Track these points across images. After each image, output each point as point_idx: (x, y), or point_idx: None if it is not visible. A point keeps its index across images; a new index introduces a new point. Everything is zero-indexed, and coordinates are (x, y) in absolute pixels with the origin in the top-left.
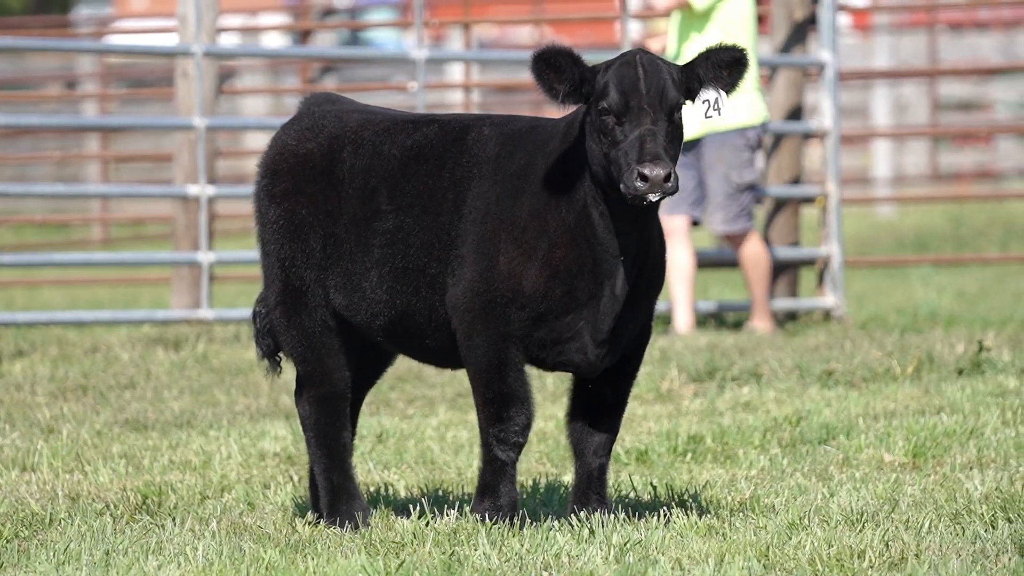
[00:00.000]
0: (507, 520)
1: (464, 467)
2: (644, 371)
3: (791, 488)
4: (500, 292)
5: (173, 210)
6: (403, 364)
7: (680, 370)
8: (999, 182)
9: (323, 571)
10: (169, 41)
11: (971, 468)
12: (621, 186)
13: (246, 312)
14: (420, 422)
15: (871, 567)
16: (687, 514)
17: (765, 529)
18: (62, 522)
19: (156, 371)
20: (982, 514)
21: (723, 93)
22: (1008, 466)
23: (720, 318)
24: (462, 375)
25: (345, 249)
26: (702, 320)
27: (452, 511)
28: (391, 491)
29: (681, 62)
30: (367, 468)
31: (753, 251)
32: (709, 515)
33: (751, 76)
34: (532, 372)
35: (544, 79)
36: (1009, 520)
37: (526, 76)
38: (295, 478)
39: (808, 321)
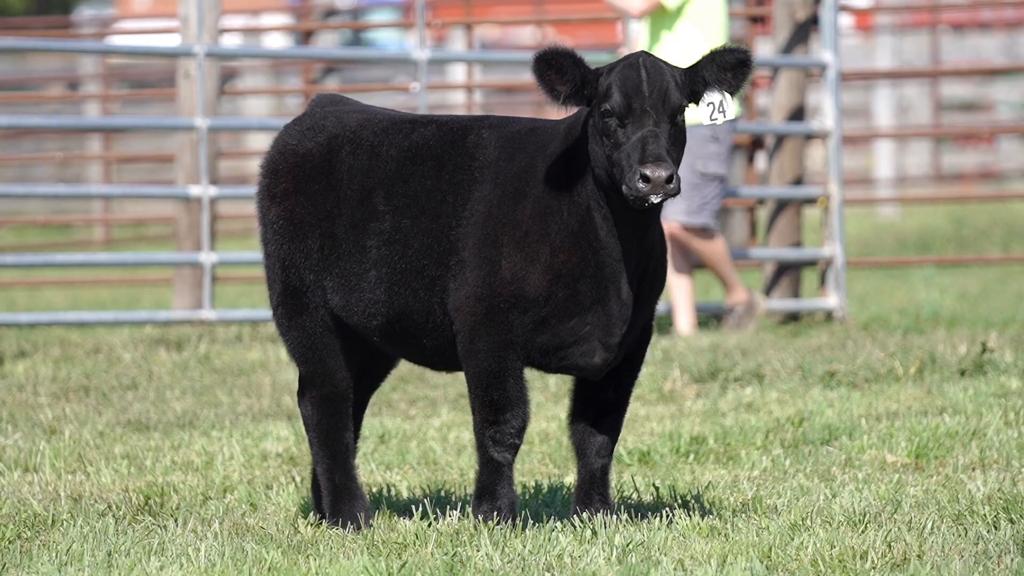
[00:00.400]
0: (506, 521)
1: (466, 468)
2: (646, 372)
3: (793, 489)
4: (503, 296)
5: (175, 211)
6: (406, 365)
7: (682, 371)
8: (1001, 183)
9: (325, 572)
10: (171, 42)
11: (973, 469)
12: (623, 187)
13: (248, 313)
14: (422, 423)
15: (873, 568)
16: (689, 515)
17: (767, 530)
18: (64, 523)
19: (158, 372)
20: (984, 515)
21: (728, 95)
22: (1010, 467)
23: (722, 318)
24: (464, 376)
25: (343, 249)
26: (704, 321)
27: (454, 512)
28: (393, 492)
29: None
30: (369, 469)
31: (713, 247)
32: (711, 516)
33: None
34: (534, 373)
35: (546, 80)
36: (1011, 521)
37: (528, 77)
38: (297, 479)
39: (810, 322)
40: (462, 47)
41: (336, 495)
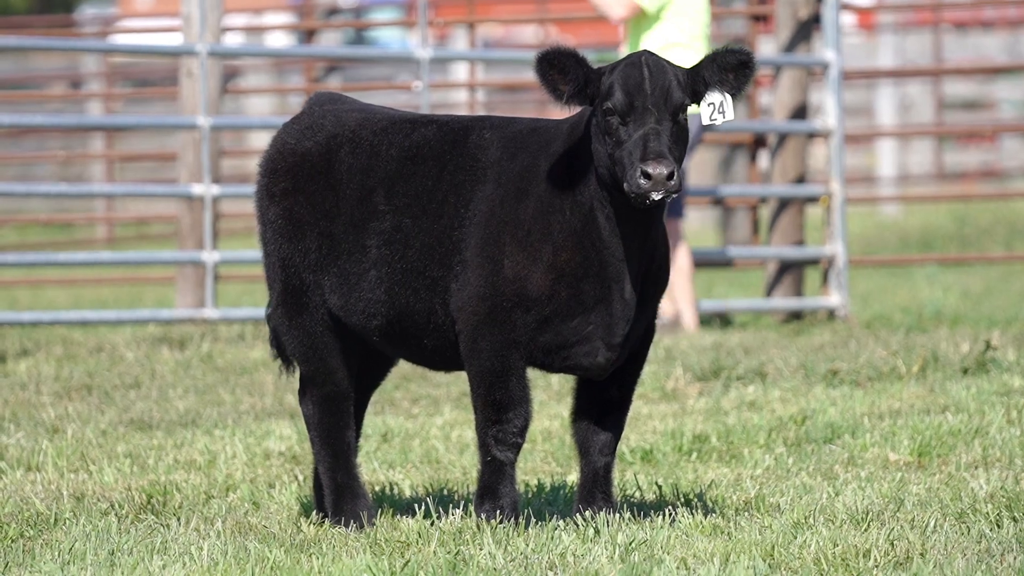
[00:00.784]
0: (509, 520)
1: (469, 466)
2: (649, 370)
3: (796, 487)
4: (506, 295)
5: (177, 209)
6: (408, 363)
7: (685, 369)
8: (1004, 181)
9: (328, 571)
10: (173, 40)
11: (976, 467)
12: (624, 185)
13: (250, 311)
14: (425, 421)
15: (876, 566)
16: (692, 513)
17: (770, 528)
18: (67, 522)
19: (161, 370)
20: (987, 513)
21: (728, 96)
22: (1013, 465)
23: (725, 318)
24: (466, 374)
25: (342, 249)
26: (706, 319)
27: (457, 510)
28: (396, 490)
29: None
30: (372, 467)
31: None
32: (714, 514)
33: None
34: (536, 372)
35: (548, 79)
36: (1014, 519)
37: (531, 76)
38: (300, 477)
39: (813, 320)
40: (464, 46)
41: (338, 494)
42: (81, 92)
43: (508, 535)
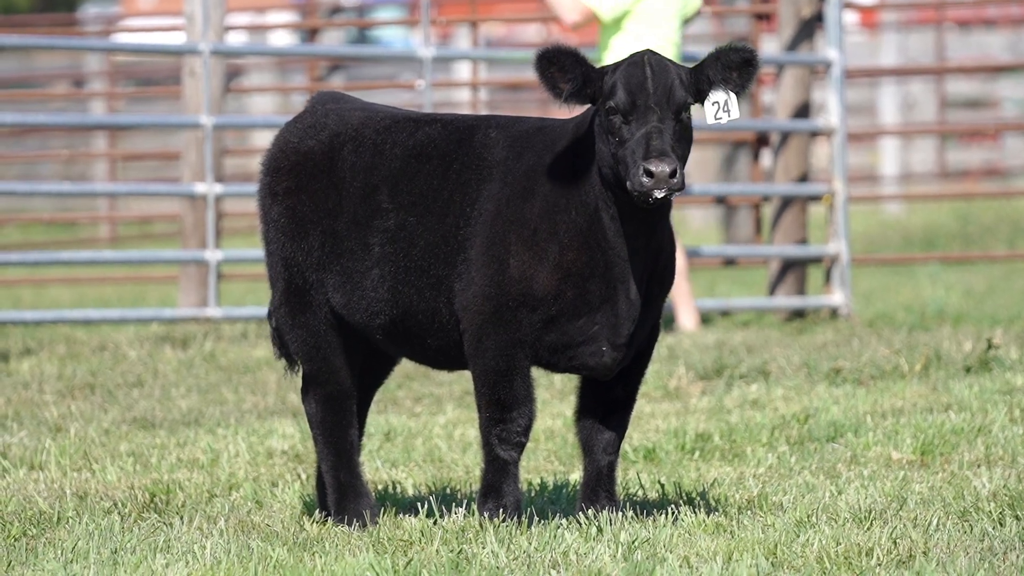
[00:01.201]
0: (512, 519)
1: (472, 465)
2: (652, 369)
3: (799, 486)
4: (511, 295)
5: (180, 208)
6: (411, 362)
7: (688, 368)
8: (1007, 179)
9: (331, 569)
10: (176, 39)
11: (979, 466)
12: (628, 184)
13: (254, 310)
14: (428, 420)
15: (879, 565)
16: (695, 512)
17: (773, 527)
18: (70, 520)
19: (164, 369)
20: (990, 512)
21: (732, 95)
22: (1016, 464)
23: (728, 316)
24: (469, 373)
25: (345, 247)
26: (707, 318)
27: (460, 509)
28: (399, 489)
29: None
30: (375, 466)
31: None
32: (717, 513)
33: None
34: (539, 371)
35: (548, 78)
36: (1017, 518)
37: (533, 74)
38: (303, 476)
39: (815, 319)
40: (467, 44)
41: (341, 492)
42: (84, 91)
43: (511, 534)
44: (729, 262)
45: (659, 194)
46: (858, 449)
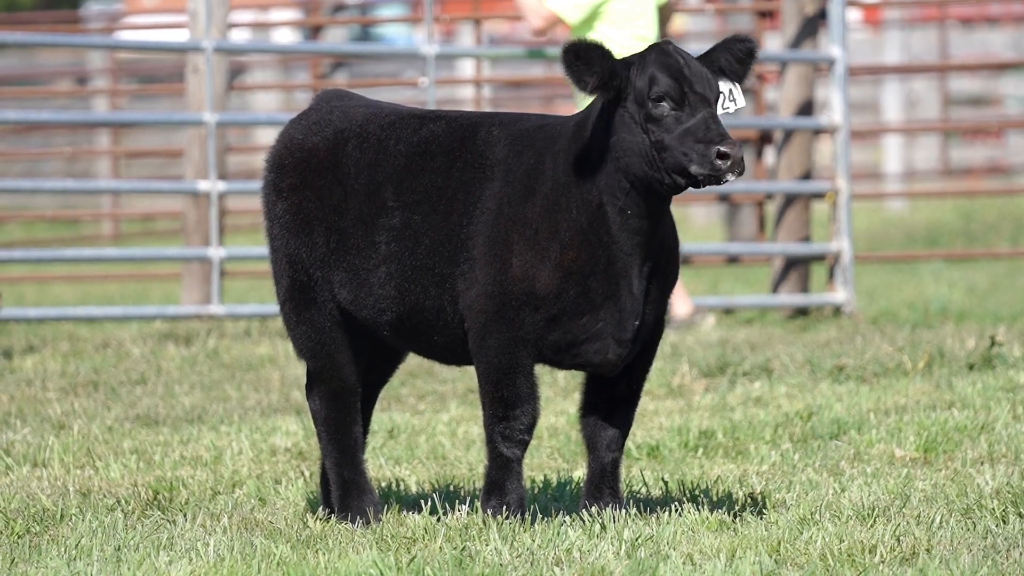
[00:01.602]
0: (515, 516)
1: (475, 462)
2: (655, 366)
3: (802, 483)
4: (514, 295)
5: (183, 206)
6: (414, 359)
7: (691, 365)
8: (1010, 177)
9: (334, 566)
10: (179, 37)
11: (982, 463)
12: (693, 168)
13: (257, 307)
14: (431, 417)
15: (882, 562)
16: (698, 509)
17: (776, 524)
18: (73, 518)
19: (167, 367)
20: (993, 509)
21: (737, 84)
22: (1019, 461)
23: (731, 314)
24: (473, 370)
25: (351, 244)
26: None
27: (463, 506)
28: (402, 486)
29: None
30: (378, 464)
31: None
32: (720, 510)
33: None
34: (542, 368)
35: (574, 71)
36: (1020, 515)
37: (536, 72)
38: (306, 474)
39: (819, 316)
40: (470, 42)
41: (345, 490)
42: (87, 88)
43: (514, 531)
44: (732, 260)
45: (731, 177)
46: (861, 446)
